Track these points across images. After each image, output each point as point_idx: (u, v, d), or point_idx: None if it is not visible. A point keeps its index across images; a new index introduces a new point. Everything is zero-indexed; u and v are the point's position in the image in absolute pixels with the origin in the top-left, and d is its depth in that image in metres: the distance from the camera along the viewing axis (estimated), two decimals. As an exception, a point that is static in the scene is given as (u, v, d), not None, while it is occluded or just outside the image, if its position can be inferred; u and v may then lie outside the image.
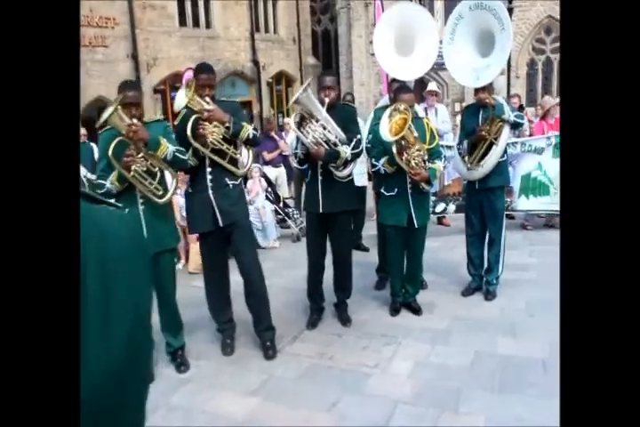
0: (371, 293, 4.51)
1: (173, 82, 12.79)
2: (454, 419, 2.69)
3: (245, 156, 3.57)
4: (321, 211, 3.65)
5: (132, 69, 12.24)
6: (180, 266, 5.56)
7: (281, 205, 6.81)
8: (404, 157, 3.55)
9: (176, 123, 3.43)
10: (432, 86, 6.57)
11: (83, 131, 6.23)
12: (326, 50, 18.61)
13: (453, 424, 2.65)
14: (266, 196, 6.65)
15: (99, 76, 11.69)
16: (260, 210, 6.30)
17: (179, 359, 3.41)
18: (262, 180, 6.76)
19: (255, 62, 15.37)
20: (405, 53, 4.50)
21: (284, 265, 5.28)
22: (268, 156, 7.81)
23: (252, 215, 6.21)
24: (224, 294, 3.64)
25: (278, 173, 7.72)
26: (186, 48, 13.25)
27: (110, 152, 2.98)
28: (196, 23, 13.82)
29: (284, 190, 7.69)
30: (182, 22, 13.30)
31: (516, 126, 4.20)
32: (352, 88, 15.69)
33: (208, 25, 14.12)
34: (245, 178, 6.66)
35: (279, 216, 6.72)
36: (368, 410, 2.80)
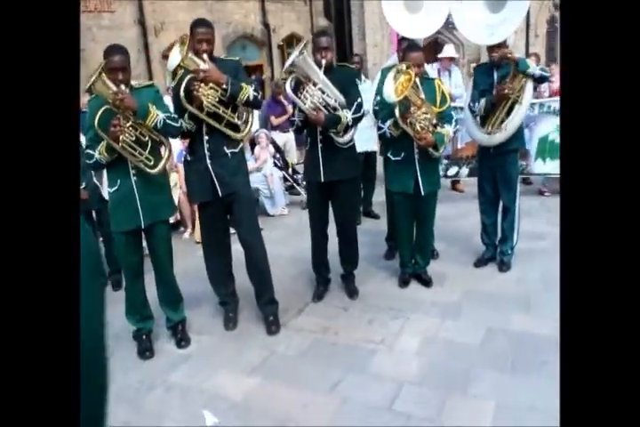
0: (380, 262, 4.33)
1: None
2: (462, 402, 2.53)
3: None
4: (322, 180, 3.44)
5: (140, 35, 11.98)
6: (186, 235, 5.45)
7: (290, 171, 6.62)
8: (408, 120, 3.30)
9: (172, 85, 3.19)
10: (449, 51, 6.16)
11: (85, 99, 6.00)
12: (338, 11, 17.92)
13: (461, 408, 2.49)
14: (274, 162, 6.43)
15: (105, 43, 11.34)
16: (269, 177, 6.10)
17: (179, 335, 3.31)
18: (270, 146, 6.54)
19: (265, 25, 14.92)
20: (414, 10, 4.21)
21: (293, 233, 5.11)
22: (275, 120, 7.57)
23: (260, 182, 6.05)
24: (225, 266, 3.49)
25: (287, 139, 7.47)
26: (194, 11, 12.81)
27: (97, 122, 2.78)
28: (203, -15, 13.36)
29: (293, 156, 7.46)
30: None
31: (541, 81, 3.86)
32: (365, 50, 15.18)
33: (215, -14, 13.64)
34: (253, 144, 6.47)
35: (288, 183, 6.53)
36: (371, 391, 2.65)
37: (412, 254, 3.81)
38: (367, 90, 4.53)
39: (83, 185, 4.00)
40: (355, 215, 3.74)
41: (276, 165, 6.44)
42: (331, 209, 3.64)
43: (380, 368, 2.85)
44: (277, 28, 15.37)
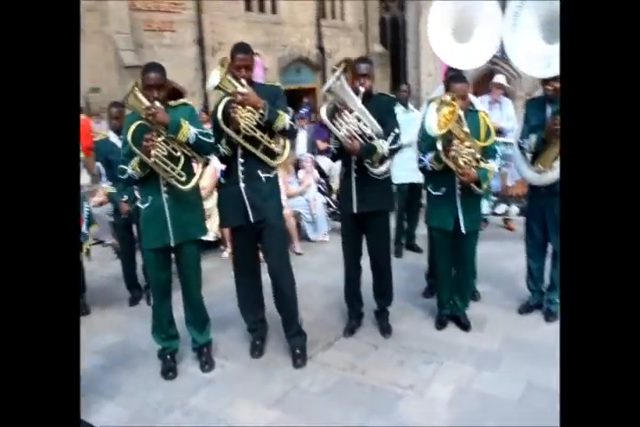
0: (417, 300, 4.14)
1: None
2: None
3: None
4: (354, 211, 3.35)
5: (198, 54, 12.33)
6: (225, 254, 5.41)
7: (333, 197, 6.54)
8: (451, 154, 3.17)
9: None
10: (499, 79, 6.02)
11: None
12: (394, 38, 18.03)
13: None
14: (318, 187, 6.38)
15: (166, 60, 11.80)
16: (311, 202, 6.04)
17: (203, 357, 3.26)
18: (315, 170, 6.50)
19: (321, 49, 15.13)
20: (463, 39, 4.05)
21: (331, 261, 4.99)
22: (322, 145, 7.53)
23: (302, 207, 6.01)
24: (254, 293, 3.42)
25: (332, 164, 7.40)
26: (251, 33, 13.16)
27: (130, 136, 2.81)
28: (262, 8, 13.73)
29: (338, 182, 7.38)
30: (248, 7, 13.25)
31: None
32: (419, 79, 15.14)
33: (274, 10, 14.00)
34: (298, 167, 6.45)
35: (331, 209, 6.44)
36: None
37: (451, 295, 3.64)
38: (413, 120, 4.44)
39: (124, 198, 4.04)
40: (388, 249, 3.60)
41: (319, 190, 6.39)
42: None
43: (406, 415, 2.68)
44: (332, 52, 15.56)
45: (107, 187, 4.20)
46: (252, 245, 3.31)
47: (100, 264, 5.30)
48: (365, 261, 3.55)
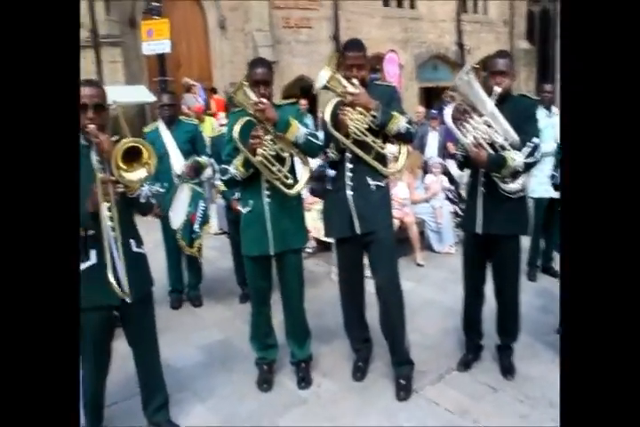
0: (550, 337, 3.46)
1: (374, 64, 12.67)
2: None
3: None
4: (478, 231, 2.88)
5: (334, 50, 12.34)
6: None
7: (463, 206, 6.00)
8: None
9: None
10: None
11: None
12: (543, 33, 16.60)
13: None
14: (446, 194, 5.90)
15: (301, 56, 12.04)
16: (437, 209, 5.60)
17: (301, 373, 3.06)
18: (444, 176, 6.02)
19: (460, 45, 14.41)
20: None
21: (456, 277, 4.51)
22: (452, 148, 7.01)
23: (427, 214, 5.59)
24: (358, 310, 3.12)
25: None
26: (387, 29, 12.90)
27: (236, 133, 2.63)
28: (400, 3, 13.36)
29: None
30: (386, 3, 12.96)
31: None
32: (568, 78, 13.76)
33: (412, 5, 13.58)
34: (425, 172, 6.03)
35: (459, 219, 5.92)
36: None
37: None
38: (557, 125, 3.86)
39: (236, 196, 3.95)
40: (516, 279, 3.03)
41: (447, 197, 5.89)
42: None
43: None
44: (473, 49, 14.76)
45: (219, 184, 4.19)
46: (357, 260, 3.00)
47: (221, 255, 5.35)
48: (490, 286, 3.09)
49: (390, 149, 2.98)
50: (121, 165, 1.96)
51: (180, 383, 3.03)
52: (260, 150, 2.61)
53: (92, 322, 2.22)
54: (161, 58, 7.86)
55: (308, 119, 5.86)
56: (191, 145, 4.07)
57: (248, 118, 2.66)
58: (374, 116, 2.66)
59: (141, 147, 2.00)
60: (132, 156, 1.99)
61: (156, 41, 7.65)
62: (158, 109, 4.18)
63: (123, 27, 10.02)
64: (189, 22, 11.38)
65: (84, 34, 10.25)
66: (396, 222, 4.91)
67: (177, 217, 3.99)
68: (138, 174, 2.01)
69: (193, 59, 11.33)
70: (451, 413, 2.74)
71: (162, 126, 4.08)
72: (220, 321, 3.99)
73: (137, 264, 2.30)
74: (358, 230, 2.82)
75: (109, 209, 2.12)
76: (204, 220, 4.04)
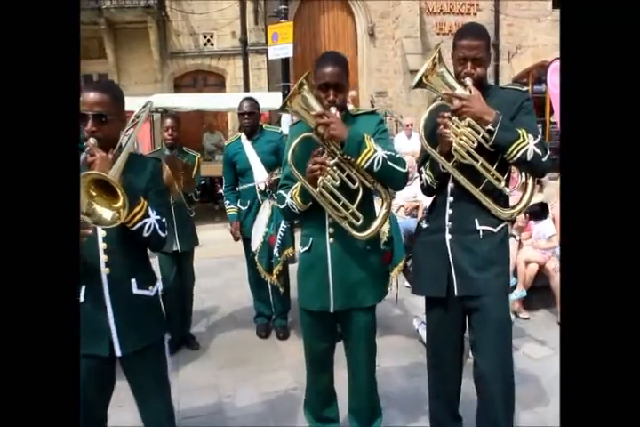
0: None
1: (538, 74, 11.41)
2: None
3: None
4: None
5: (492, 58, 11.35)
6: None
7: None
8: None
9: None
10: None
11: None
12: None
13: None
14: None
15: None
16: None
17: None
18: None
19: None
20: None
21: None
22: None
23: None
24: (450, 407, 2.29)
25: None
26: (557, 35, 11.43)
27: (291, 154, 1.96)
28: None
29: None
30: (556, 4, 11.48)
31: None
32: None
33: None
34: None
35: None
36: None
37: None
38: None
39: None
40: None
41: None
42: None
43: None
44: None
45: (227, 204, 3.84)
46: (454, 329, 2.17)
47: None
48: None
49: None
50: (93, 194, 1.49)
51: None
52: (321, 179, 1.92)
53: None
54: (285, 62, 7.58)
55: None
56: (275, 156, 3.56)
57: (307, 134, 1.98)
58: (490, 132, 1.88)
59: (115, 187, 1.51)
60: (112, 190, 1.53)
61: (280, 45, 7.38)
62: (238, 118, 3.75)
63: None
64: (338, 28, 11.17)
65: (235, 43, 10.56)
66: (534, 268, 4.01)
67: (256, 238, 3.52)
68: (111, 213, 1.52)
69: (339, 66, 11.11)
70: None
71: (243, 137, 3.65)
72: (299, 363, 3.35)
73: (136, 309, 1.81)
74: (457, 292, 2.04)
75: (105, 240, 1.68)
76: (285, 243, 3.40)
